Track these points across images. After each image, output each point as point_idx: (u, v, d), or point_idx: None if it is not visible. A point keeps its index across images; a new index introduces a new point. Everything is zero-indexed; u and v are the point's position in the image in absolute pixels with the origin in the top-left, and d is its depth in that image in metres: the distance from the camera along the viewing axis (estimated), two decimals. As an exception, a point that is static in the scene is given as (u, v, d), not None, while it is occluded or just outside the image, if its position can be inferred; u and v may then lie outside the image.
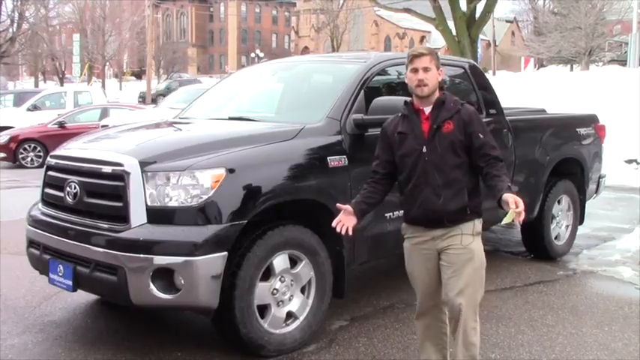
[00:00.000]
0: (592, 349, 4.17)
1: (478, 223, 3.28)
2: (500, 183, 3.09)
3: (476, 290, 3.22)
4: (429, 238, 3.26)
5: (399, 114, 3.39)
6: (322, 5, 67.66)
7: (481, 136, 3.19)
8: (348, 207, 3.34)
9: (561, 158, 6.21)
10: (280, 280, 3.93)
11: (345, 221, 3.30)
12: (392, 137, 3.34)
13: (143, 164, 3.69)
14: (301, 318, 4.04)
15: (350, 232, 3.32)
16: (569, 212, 6.43)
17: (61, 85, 46.17)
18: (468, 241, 3.22)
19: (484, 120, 5.29)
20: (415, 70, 3.23)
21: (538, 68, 46.05)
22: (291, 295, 4.00)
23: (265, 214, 3.88)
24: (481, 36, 27.82)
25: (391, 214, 4.57)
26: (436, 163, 3.19)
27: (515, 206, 2.94)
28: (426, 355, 3.46)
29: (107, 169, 3.81)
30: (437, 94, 3.28)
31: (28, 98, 20.09)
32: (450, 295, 3.19)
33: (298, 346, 4.03)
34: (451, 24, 20.75)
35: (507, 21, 75.32)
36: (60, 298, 4.98)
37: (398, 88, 5.15)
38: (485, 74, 6.06)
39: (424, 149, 3.21)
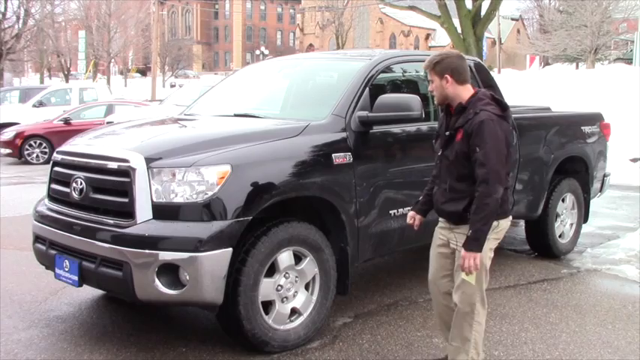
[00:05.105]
0: (595, 346, 4.17)
1: None
2: (471, 226, 3.17)
3: (473, 290, 3.35)
4: (444, 225, 3.48)
5: None
6: (327, 3, 67.55)
7: (477, 149, 3.15)
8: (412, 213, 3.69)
9: (566, 156, 6.20)
10: (285, 276, 3.95)
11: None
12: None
13: (149, 160, 3.71)
14: (305, 314, 4.06)
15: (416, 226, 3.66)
16: (573, 210, 6.43)
17: (67, 81, 46.25)
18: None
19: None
20: None
21: (543, 66, 45.94)
22: (296, 292, 4.02)
23: (270, 210, 3.90)
24: (486, 34, 27.78)
25: (395, 211, 4.59)
26: (448, 168, 3.34)
27: (467, 271, 3.20)
28: (439, 325, 3.74)
29: (113, 165, 3.83)
30: (460, 99, 3.29)
31: (34, 95, 20.13)
32: (454, 288, 3.43)
33: (302, 343, 4.04)
34: (456, 22, 20.74)
35: (513, 19, 75.17)
36: (66, 294, 5.01)
37: (403, 85, 5.16)
38: (491, 72, 6.06)
39: (440, 152, 3.42)
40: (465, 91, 3.31)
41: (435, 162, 3.52)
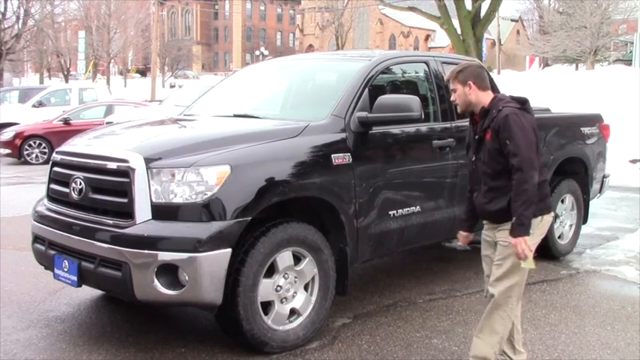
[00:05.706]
0: (594, 348, 4.17)
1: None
2: (513, 213, 3.28)
3: (512, 283, 3.45)
4: (489, 227, 3.58)
5: None
6: (327, 3, 67.61)
7: (508, 142, 3.30)
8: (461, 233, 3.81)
9: (565, 157, 6.20)
10: (284, 276, 3.95)
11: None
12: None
13: (148, 160, 3.71)
14: (304, 315, 4.06)
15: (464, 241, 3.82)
16: (572, 211, 6.43)
17: (66, 81, 46.23)
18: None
19: None
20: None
21: (543, 67, 45.94)
22: (295, 292, 4.02)
23: (269, 211, 3.90)
24: (486, 35, 27.82)
25: (395, 212, 4.59)
26: (483, 171, 3.48)
27: (523, 257, 3.28)
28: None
29: (112, 165, 3.83)
30: (482, 103, 3.45)
31: (34, 95, 20.12)
32: (490, 281, 3.52)
33: (301, 343, 4.04)
34: (456, 23, 20.77)
35: (512, 20, 75.19)
36: (65, 294, 5.00)
37: (402, 86, 5.17)
38: (490, 73, 6.06)
39: (473, 158, 3.57)
40: (487, 96, 3.49)
41: (469, 171, 3.69)
